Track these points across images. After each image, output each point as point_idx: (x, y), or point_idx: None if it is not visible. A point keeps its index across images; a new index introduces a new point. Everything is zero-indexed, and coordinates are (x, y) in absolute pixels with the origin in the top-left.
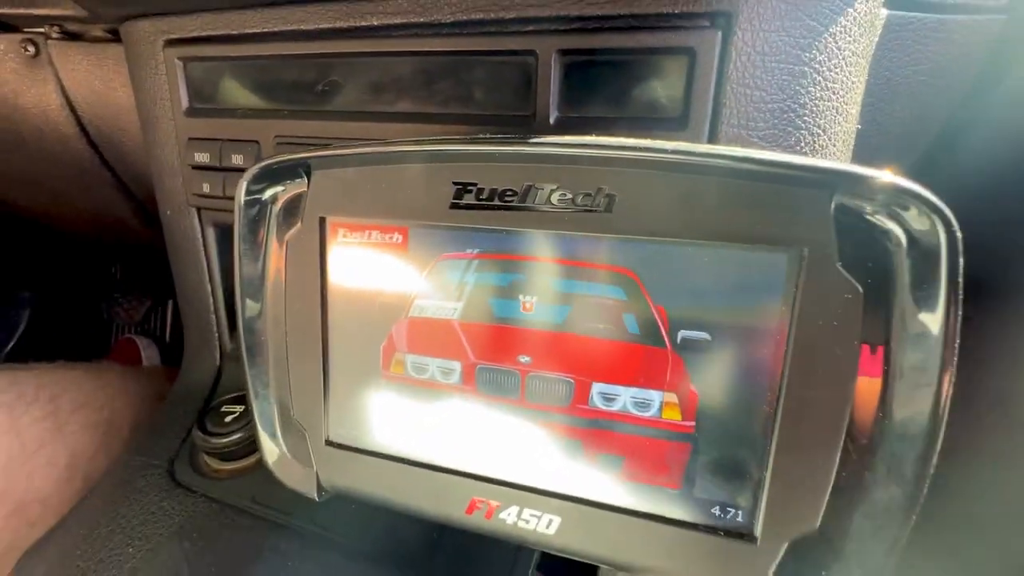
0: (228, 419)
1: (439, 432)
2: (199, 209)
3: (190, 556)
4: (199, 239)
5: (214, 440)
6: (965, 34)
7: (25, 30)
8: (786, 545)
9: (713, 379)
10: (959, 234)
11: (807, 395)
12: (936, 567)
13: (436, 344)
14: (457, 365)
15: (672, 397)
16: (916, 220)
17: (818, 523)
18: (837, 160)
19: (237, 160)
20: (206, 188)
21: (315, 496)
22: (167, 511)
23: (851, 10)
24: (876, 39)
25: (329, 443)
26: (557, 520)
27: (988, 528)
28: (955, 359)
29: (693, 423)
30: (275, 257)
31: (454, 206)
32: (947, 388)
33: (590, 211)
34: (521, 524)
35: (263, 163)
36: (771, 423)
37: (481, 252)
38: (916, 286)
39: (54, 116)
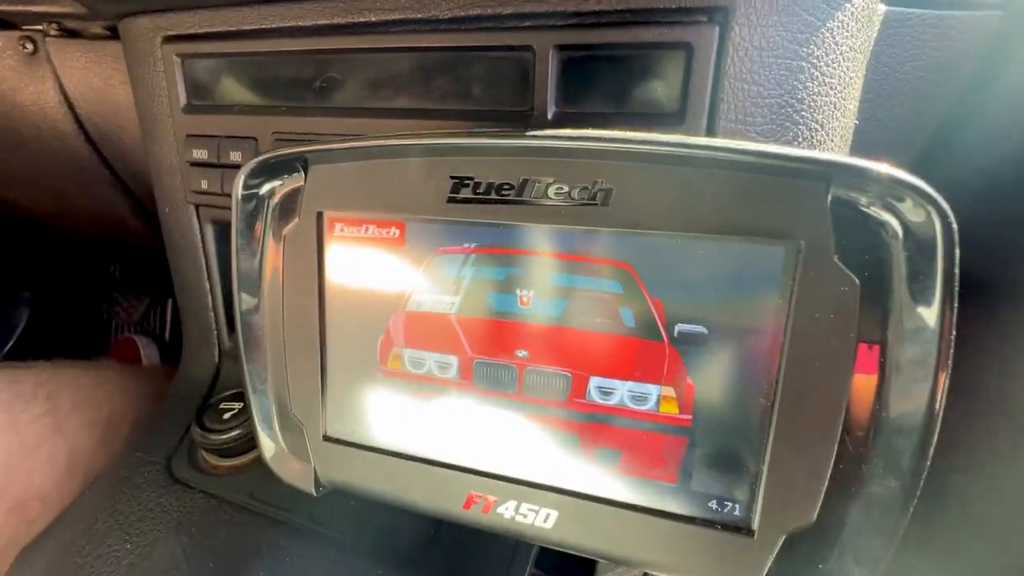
0: (226, 416)
1: (436, 427)
2: (197, 206)
3: (188, 552)
4: (197, 236)
5: (212, 437)
6: (963, 30)
7: (23, 27)
8: (783, 538)
9: (710, 373)
10: (955, 225)
11: (804, 388)
12: (936, 566)
13: (433, 339)
14: (454, 360)
15: (669, 391)
16: (912, 212)
17: (815, 516)
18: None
19: (235, 157)
20: (204, 185)
21: (313, 491)
22: (165, 507)
23: (849, 5)
24: (874, 35)
25: (327, 438)
26: (554, 514)
27: (988, 528)
28: (951, 351)
29: (690, 417)
30: (272, 252)
31: (451, 200)
32: (944, 381)
33: (587, 204)
34: (519, 518)
35: (260, 157)
36: (768, 416)
37: (478, 246)
38: (913, 278)
39: (52, 114)
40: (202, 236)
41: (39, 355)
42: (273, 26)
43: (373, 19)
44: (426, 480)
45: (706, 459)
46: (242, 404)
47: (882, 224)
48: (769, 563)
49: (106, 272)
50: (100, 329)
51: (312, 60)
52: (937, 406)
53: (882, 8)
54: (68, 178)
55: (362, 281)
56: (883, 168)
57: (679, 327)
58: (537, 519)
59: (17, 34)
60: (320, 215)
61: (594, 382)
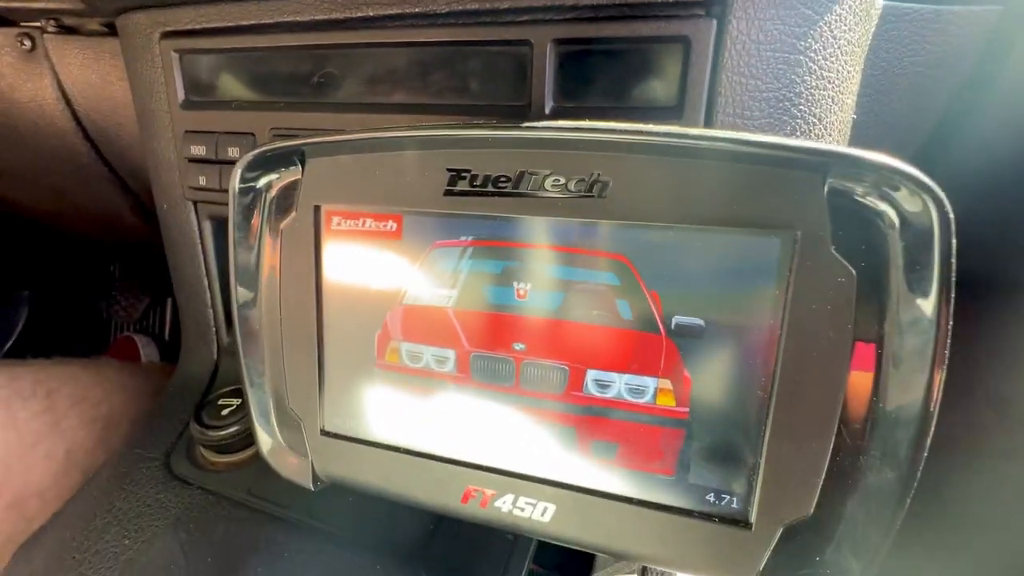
0: (225, 412)
1: (434, 421)
2: (195, 202)
3: (186, 547)
4: (195, 232)
5: (211, 433)
6: (961, 25)
7: (21, 24)
8: (780, 531)
9: (707, 365)
10: (951, 215)
11: (801, 380)
12: (936, 565)
13: (431, 332)
14: (452, 353)
15: (666, 383)
16: (908, 201)
17: (812, 508)
18: None
19: (233, 153)
20: (202, 181)
21: (310, 486)
22: (163, 503)
23: None
24: (872, 29)
25: (324, 433)
26: (552, 508)
27: (986, 525)
28: (948, 342)
29: (687, 409)
30: (269, 245)
31: (448, 193)
32: (940, 372)
33: (584, 196)
34: (516, 512)
35: (258, 150)
36: (765, 408)
37: (475, 239)
38: (909, 268)
39: (50, 111)
40: (200, 232)
41: (39, 354)
42: (271, 21)
43: (371, 14)
44: (423, 474)
45: (703, 452)
46: (240, 400)
47: (879, 214)
48: (767, 555)
49: (105, 271)
50: (99, 328)
51: (310, 56)
52: (934, 397)
53: (880, 2)
54: (66, 175)
55: (359, 275)
56: (879, 157)
57: (676, 319)
58: (535, 513)
59: (15, 31)
60: (317, 208)
61: (591, 375)
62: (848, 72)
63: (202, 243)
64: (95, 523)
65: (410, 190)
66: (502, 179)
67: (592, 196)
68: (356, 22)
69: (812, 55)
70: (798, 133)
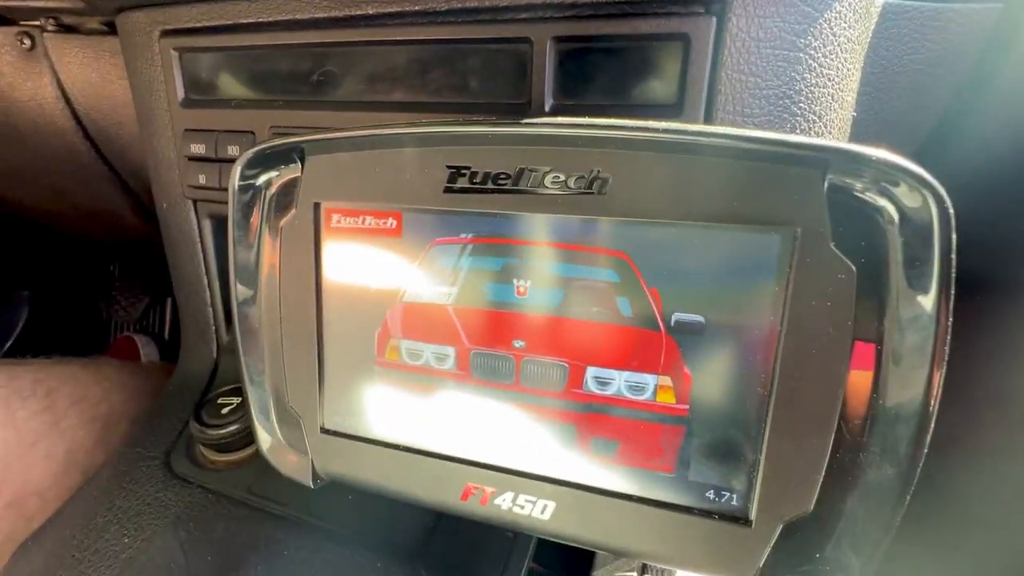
0: (225, 411)
1: (434, 418)
2: (195, 201)
3: (186, 546)
4: (195, 231)
5: (210, 432)
6: (961, 23)
7: (21, 23)
8: (780, 527)
9: (707, 362)
10: (951, 211)
11: (801, 377)
12: (935, 563)
13: (431, 330)
14: (451, 351)
15: (666, 380)
16: (908, 197)
17: (812, 505)
18: None
19: (233, 151)
20: (202, 180)
21: (310, 483)
22: (163, 502)
23: None
24: (872, 26)
25: (324, 430)
26: (552, 505)
27: (986, 525)
28: (948, 338)
29: (687, 406)
30: (269, 243)
31: (448, 190)
32: (940, 368)
33: (584, 193)
34: (516, 510)
35: (257, 148)
36: (765, 405)
37: (475, 236)
38: (909, 264)
39: (50, 109)
40: (200, 231)
41: (38, 354)
42: (270, 19)
43: (371, 12)
44: (423, 472)
45: (703, 449)
46: (240, 399)
47: (878, 210)
48: (767, 552)
49: (105, 271)
50: (99, 328)
51: (309, 54)
52: (934, 394)
53: (880, 0)
54: (66, 175)
55: (359, 272)
56: (879, 153)
57: (676, 316)
58: (534, 510)
59: (15, 29)
60: (317, 206)
61: (591, 372)
62: (848, 70)
63: (202, 242)
64: (95, 522)
65: (410, 187)
66: (502, 176)
67: (592, 193)
68: (356, 20)
69: (812, 52)
70: (798, 131)
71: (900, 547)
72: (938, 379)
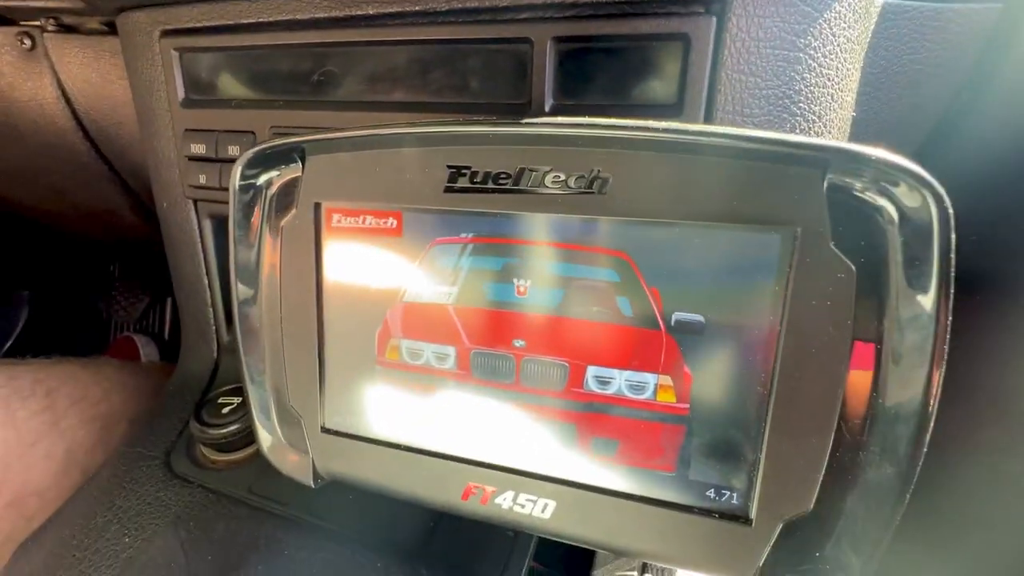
0: (225, 410)
1: (434, 418)
2: (195, 201)
3: (186, 545)
4: (195, 231)
5: (211, 431)
6: (961, 23)
7: (21, 23)
8: (780, 526)
9: (707, 361)
10: (951, 210)
11: (801, 376)
12: (934, 562)
13: (431, 329)
14: (452, 350)
15: (667, 380)
16: (908, 196)
17: (812, 504)
18: None
19: (233, 151)
20: (202, 179)
21: (311, 483)
22: (164, 501)
23: None
24: (871, 26)
25: (325, 430)
26: (552, 504)
27: (987, 524)
28: (948, 337)
29: (687, 405)
30: (270, 243)
31: (448, 190)
32: (940, 367)
33: (584, 193)
34: (517, 509)
35: (258, 147)
36: (765, 405)
37: (475, 236)
38: (909, 264)
39: (50, 110)
40: (200, 231)
41: (38, 354)
42: (271, 19)
43: (371, 12)
44: (424, 471)
45: (704, 448)
46: (240, 399)
47: (878, 209)
48: (767, 551)
49: (105, 271)
50: (99, 328)
51: (310, 54)
52: (933, 393)
53: (880, 0)
54: (66, 174)
55: (360, 272)
56: (878, 152)
57: (676, 315)
58: (535, 509)
59: (15, 30)
60: (318, 206)
61: (592, 371)
62: (848, 70)
63: (202, 241)
64: (95, 521)
65: (410, 187)
66: (502, 176)
67: (592, 192)
68: (356, 20)
69: (812, 52)
70: (798, 131)
71: (899, 546)
72: (938, 378)
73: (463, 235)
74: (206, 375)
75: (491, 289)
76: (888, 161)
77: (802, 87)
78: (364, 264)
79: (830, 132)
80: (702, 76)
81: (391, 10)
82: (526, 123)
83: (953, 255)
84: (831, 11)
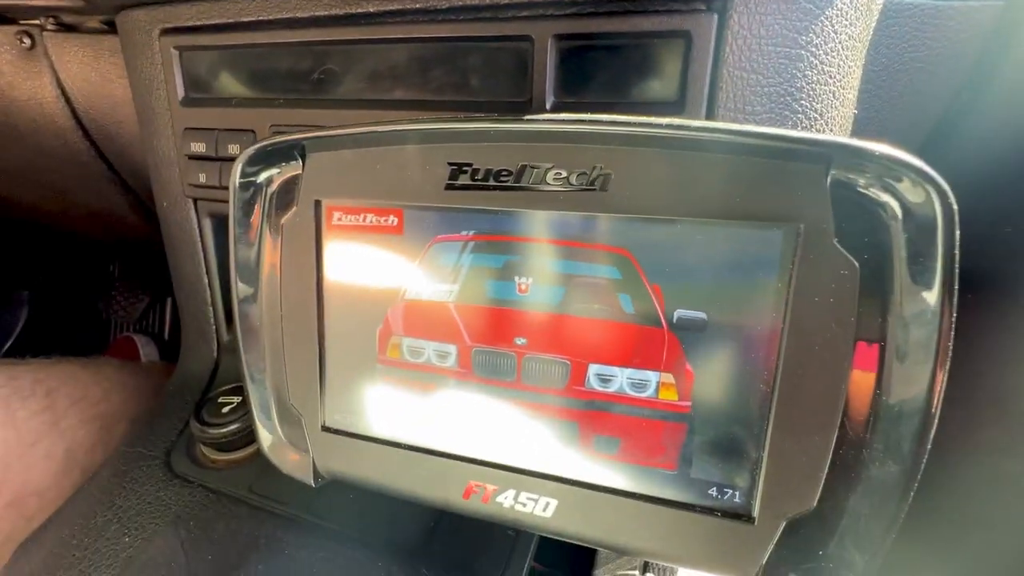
0: (225, 410)
1: (435, 416)
2: (195, 200)
3: (186, 545)
4: (195, 230)
5: (211, 431)
6: (961, 21)
7: (21, 22)
8: (783, 525)
9: (709, 358)
10: (955, 206)
11: (804, 374)
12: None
13: (432, 327)
14: (453, 348)
15: (668, 377)
16: (911, 192)
17: (815, 502)
18: None
19: (233, 150)
20: (202, 178)
21: (311, 482)
22: (164, 501)
23: None
24: (873, 24)
25: (325, 428)
26: (554, 503)
27: (987, 523)
28: (952, 334)
29: (689, 403)
30: (270, 241)
31: (449, 187)
32: (944, 364)
33: (585, 190)
34: (518, 507)
35: (258, 145)
36: (768, 402)
37: (476, 234)
38: (913, 260)
39: (50, 109)
40: (200, 230)
41: (38, 354)
42: (271, 18)
43: (371, 10)
44: (425, 470)
45: (706, 446)
46: (241, 398)
47: (881, 205)
48: (770, 550)
49: (105, 271)
50: (99, 328)
51: (310, 52)
52: (937, 390)
53: None
54: (66, 174)
55: (361, 270)
56: (882, 148)
57: (678, 313)
58: (536, 508)
59: (14, 28)
60: (318, 203)
61: (593, 369)
62: (849, 67)
63: (202, 240)
64: (95, 521)
65: (411, 184)
66: (503, 173)
67: (594, 189)
68: (356, 18)
69: (813, 50)
70: (799, 128)
71: (899, 546)
72: (941, 375)
73: (464, 233)
74: (206, 374)
75: (492, 287)
76: (891, 156)
77: (804, 84)
78: (365, 262)
79: (832, 130)
80: (703, 73)
81: (391, 8)
82: (527, 120)
83: (957, 251)
84: (833, 8)
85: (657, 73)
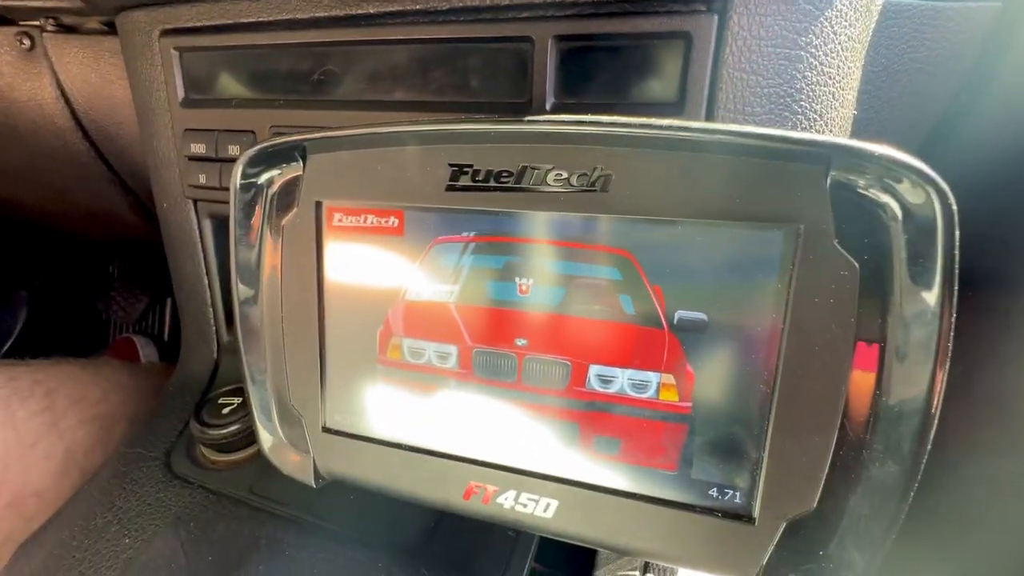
0: (225, 411)
1: (436, 417)
2: (195, 201)
3: (186, 546)
4: (195, 231)
5: (211, 432)
6: (960, 21)
7: (20, 23)
8: (784, 525)
9: (710, 359)
10: (955, 207)
11: (804, 375)
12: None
13: (433, 328)
14: (453, 349)
15: (669, 378)
16: (911, 193)
17: (815, 503)
18: None
19: (233, 151)
20: (202, 179)
21: (312, 483)
22: (164, 502)
23: None
24: (872, 25)
25: (326, 429)
26: (554, 504)
27: (987, 524)
28: (952, 334)
29: (690, 404)
30: (271, 242)
31: (450, 188)
32: (944, 364)
33: (586, 191)
34: (519, 508)
35: (259, 146)
36: (768, 403)
37: (477, 235)
38: (913, 261)
39: (49, 110)
40: (200, 231)
41: (37, 354)
42: (271, 19)
43: (371, 11)
44: (425, 471)
45: (706, 447)
46: (241, 399)
47: (881, 206)
48: (770, 550)
49: (104, 271)
50: (98, 329)
51: (310, 53)
52: (937, 390)
53: None
54: (66, 175)
55: (361, 271)
56: (881, 149)
57: (679, 314)
58: (537, 509)
59: (14, 29)
60: (319, 204)
61: (594, 370)
62: (849, 68)
63: (202, 241)
64: (95, 522)
65: (412, 185)
66: (504, 174)
67: (594, 191)
68: (357, 19)
69: (813, 51)
70: (799, 129)
71: (898, 546)
72: (941, 376)
73: (465, 234)
74: (206, 375)
75: (493, 288)
76: (891, 157)
77: (803, 85)
78: (365, 263)
79: (831, 131)
80: (703, 75)
81: (391, 9)
82: (528, 121)
83: (957, 252)
84: (832, 9)
85: (657, 74)
